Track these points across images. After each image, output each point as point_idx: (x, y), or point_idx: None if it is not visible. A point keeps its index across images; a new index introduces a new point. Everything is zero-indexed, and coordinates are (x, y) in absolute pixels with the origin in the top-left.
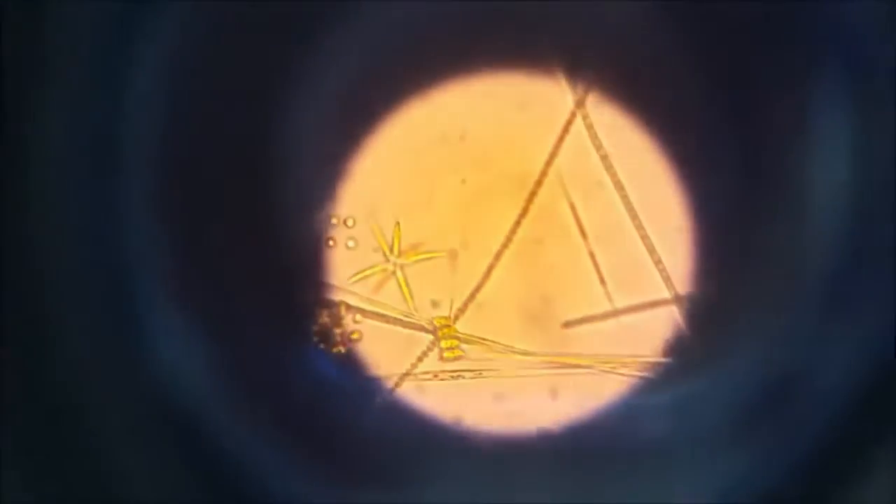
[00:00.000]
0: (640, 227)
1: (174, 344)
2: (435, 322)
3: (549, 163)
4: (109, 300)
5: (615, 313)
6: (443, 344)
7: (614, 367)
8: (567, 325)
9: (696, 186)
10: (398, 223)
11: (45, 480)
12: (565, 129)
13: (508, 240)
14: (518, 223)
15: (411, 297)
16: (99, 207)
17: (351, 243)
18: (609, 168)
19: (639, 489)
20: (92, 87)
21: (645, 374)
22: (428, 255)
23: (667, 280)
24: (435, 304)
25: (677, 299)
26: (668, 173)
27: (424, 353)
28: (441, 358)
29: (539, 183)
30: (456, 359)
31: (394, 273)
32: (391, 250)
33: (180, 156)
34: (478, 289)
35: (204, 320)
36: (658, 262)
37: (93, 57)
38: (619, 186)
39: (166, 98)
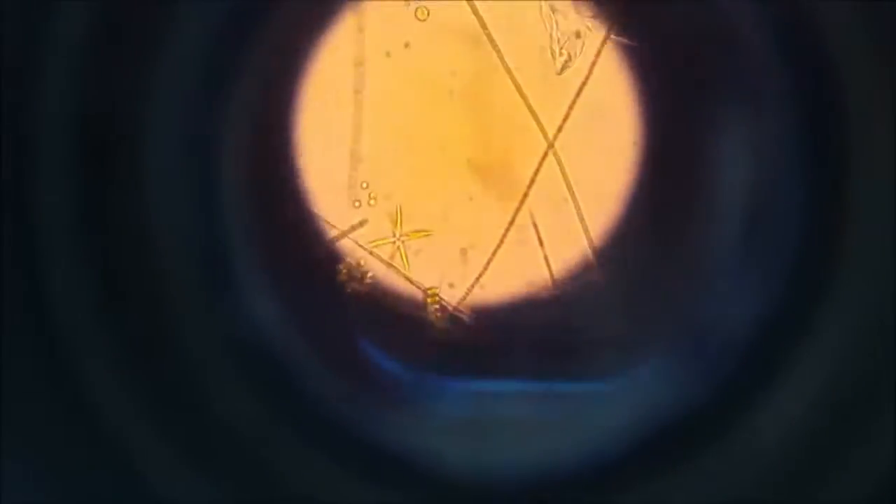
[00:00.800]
0: (585, 228)
1: (256, 296)
2: (428, 290)
3: (527, 190)
4: (211, 264)
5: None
6: (429, 302)
7: None
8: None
9: (624, 194)
10: (399, 208)
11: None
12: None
13: (499, 244)
14: (506, 233)
15: (408, 263)
16: (204, 192)
17: (372, 202)
18: (570, 190)
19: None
20: (203, 89)
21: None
22: (420, 235)
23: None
24: (451, 285)
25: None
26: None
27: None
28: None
29: (518, 209)
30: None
31: (397, 246)
32: (397, 228)
33: (259, 148)
34: (480, 275)
35: (276, 275)
36: (595, 250)
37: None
38: (575, 203)
39: (257, 99)
